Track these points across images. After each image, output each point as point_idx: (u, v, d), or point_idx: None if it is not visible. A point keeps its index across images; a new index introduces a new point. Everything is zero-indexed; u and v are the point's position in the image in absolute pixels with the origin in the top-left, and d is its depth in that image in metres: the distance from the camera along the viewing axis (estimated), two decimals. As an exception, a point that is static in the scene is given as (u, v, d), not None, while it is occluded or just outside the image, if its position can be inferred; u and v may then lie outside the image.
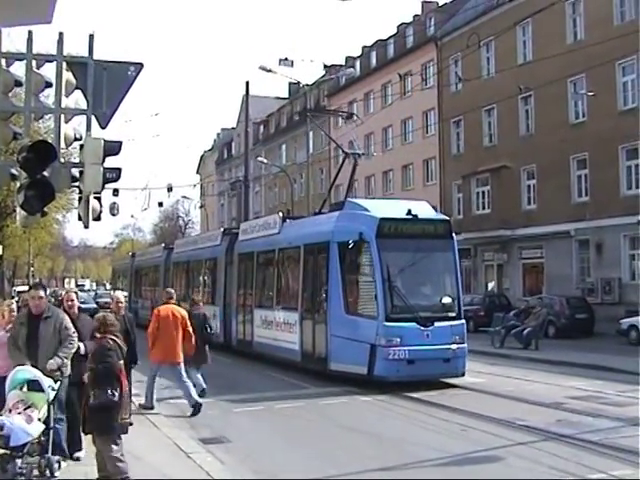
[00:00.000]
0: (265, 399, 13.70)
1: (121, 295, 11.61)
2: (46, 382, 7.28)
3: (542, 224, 32.18)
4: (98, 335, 7.44)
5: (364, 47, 51.79)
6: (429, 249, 15.75)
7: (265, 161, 52.34)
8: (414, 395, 13.85)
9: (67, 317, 8.32)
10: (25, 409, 6.97)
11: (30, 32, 8.53)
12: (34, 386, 7.22)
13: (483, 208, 35.81)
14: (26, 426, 6.81)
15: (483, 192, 36.62)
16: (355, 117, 22.40)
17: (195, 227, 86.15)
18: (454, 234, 16.29)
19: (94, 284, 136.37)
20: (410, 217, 15.53)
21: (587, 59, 28.27)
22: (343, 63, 53.08)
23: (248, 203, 38.23)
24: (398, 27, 48.14)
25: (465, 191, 37.29)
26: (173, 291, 13.78)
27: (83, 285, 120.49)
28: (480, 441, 10.07)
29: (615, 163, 29.22)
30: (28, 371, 7.36)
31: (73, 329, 8.14)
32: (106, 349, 7.29)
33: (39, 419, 7.02)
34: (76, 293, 9.68)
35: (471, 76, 32.37)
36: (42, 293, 8.17)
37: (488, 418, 11.69)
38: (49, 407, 7.26)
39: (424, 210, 16.44)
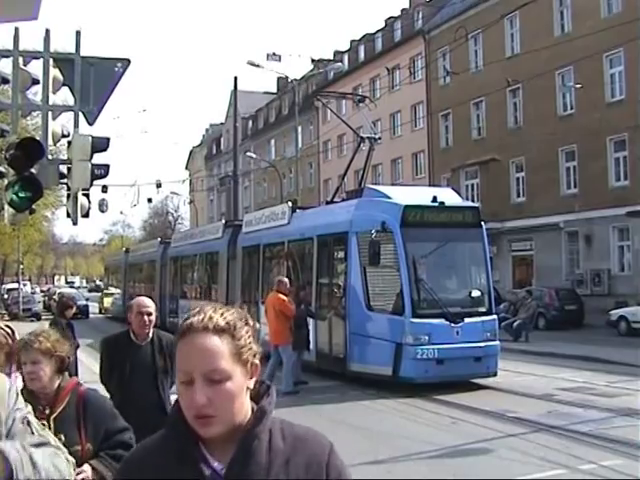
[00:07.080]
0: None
1: (150, 303, 5.47)
2: None
3: (531, 216, 32.27)
4: None
5: (352, 41, 51.85)
6: (457, 239, 14.61)
7: (254, 156, 52.23)
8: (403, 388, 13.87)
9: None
10: None
11: (16, 29, 8.48)
12: None
13: (472, 201, 35.61)
14: None
15: (472, 185, 36.79)
16: (368, 100, 21.31)
17: (185, 223, 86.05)
18: (483, 222, 15.23)
19: (84, 281, 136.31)
20: (437, 204, 14.45)
21: (575, 51, 28.32)
22: (331, 57, 53.05)
23: (237, 198, 38.05)
24: (386, 21, 48.14)
25: (454, 184, 37.18)
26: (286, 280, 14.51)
27: (73, 282, 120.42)
28: (471, 433, 10.11)
29: (603, 155, 29.33)
30: None
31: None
32: None
33: None
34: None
35: (459, 69, 32.36)
36: None
37: (478, 410, 11.75)
38: None
39: (450, 197, 15.56)
